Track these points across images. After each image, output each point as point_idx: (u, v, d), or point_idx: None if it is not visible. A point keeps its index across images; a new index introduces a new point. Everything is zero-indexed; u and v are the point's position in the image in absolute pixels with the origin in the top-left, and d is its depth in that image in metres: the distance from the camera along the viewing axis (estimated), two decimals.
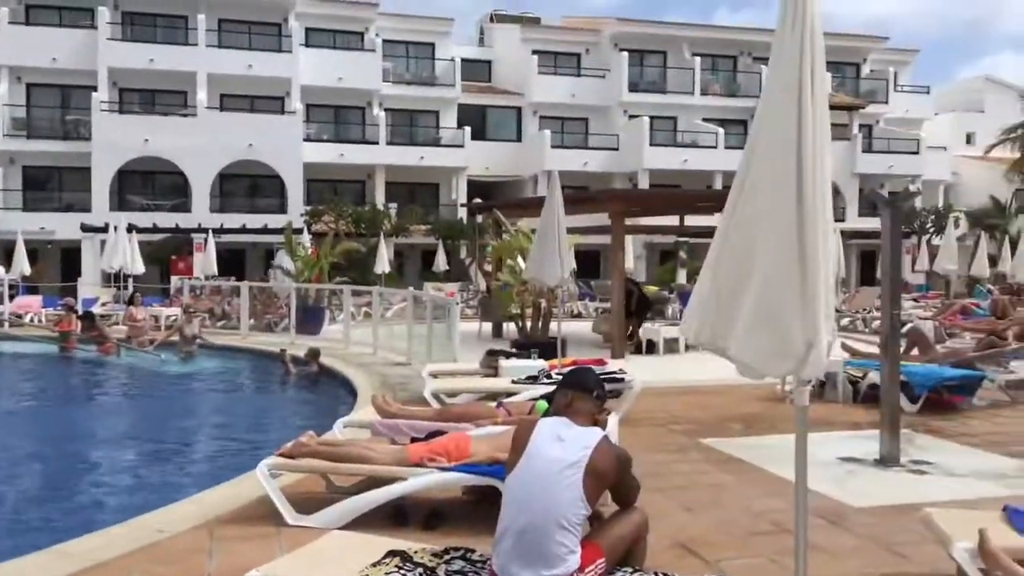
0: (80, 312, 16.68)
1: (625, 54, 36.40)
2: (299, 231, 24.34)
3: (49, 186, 30.72)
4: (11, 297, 20.95)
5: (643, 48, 37.48)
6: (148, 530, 4.77)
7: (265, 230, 28.09)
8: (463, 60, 36.03)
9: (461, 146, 34.04)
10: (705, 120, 36.56)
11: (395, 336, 13.72)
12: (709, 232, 3.13)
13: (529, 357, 9.24)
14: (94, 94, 29.17)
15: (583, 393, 3.73)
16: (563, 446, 3.42)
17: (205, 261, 22.78)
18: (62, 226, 27.85)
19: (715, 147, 35.06)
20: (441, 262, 28.65)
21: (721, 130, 35.55)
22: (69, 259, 28.79)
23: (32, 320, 19.50)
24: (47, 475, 7.64)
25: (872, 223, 29.57)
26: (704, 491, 5.64)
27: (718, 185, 33.50)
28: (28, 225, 25.72)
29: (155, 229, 27.38)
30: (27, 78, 30.14)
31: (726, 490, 5.67)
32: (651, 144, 34.63)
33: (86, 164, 28.70)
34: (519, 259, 14.47)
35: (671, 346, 13.46)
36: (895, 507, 5.24)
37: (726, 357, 2.95)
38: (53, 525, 5.78)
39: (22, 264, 21.84)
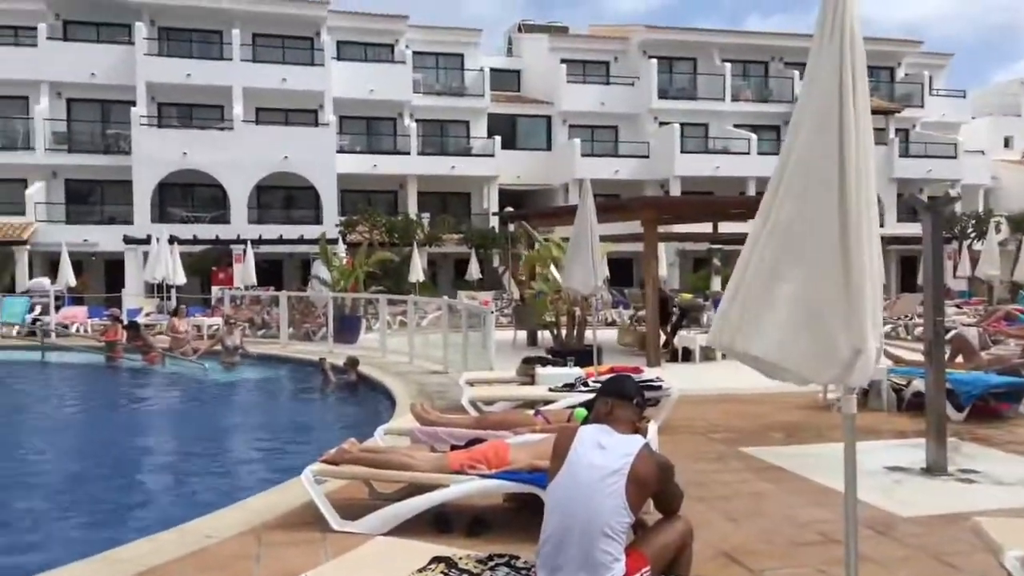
0: (125, 322, 16.97)
1: (654, 61, 36.34)
2: (334, 241, 24.59)
3: (91, 199, 31.31)
4: (57, 308, 21.41)
5: (672, 55, 37.39)
6: (197, 536, 4.83)
7: (301, 240, 28.43)
8: (492, 70, 36.23)
9: (492, 155, 34.19)
10: (736, 126, 36.33)
11: (431, 345, 13.79)
12: (743, 239, 3.13)
13: (565, 365, 9.23)
14: (133, 109, 29.74)
15: (623, 401, 3.73)
16: (604, 453, 3.43)
17: (244, 271, 23.12)
18: (105, 238, 28.39)
19: (747, 153, 34.86)
20: (474, 271, 28.77)
21: (754, 136, 35.31)
22: (113, 270, 29.33)
23: (78, 330, 19.88)
24: (95, 482, 7.77)
25: (911, 228, 29.19)
26: (746, 500, 5.60)
27: (751, 191, 33.28)
28: (72, 237, 26.27)
29: (195, 241, 27.85)
30: (67, 93, 30.78)
31: (769, 499, 5.62)
32: (682, 151, 34.54)
33: (127, 177, 29.27)
34: (552, 267, 14.50)
35: (707, 354, 13.37)
36: (944, 516, 5.18)
37: (749, 362, 2.94)
38: (102, 532, 5.89)
39: (67, 275, 22.37)
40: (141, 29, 30.37)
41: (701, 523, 4.37)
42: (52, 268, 24.96)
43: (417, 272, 24.88)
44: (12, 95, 30.11)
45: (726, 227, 17.33)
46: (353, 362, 12.52)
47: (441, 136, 35.64)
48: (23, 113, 30.12)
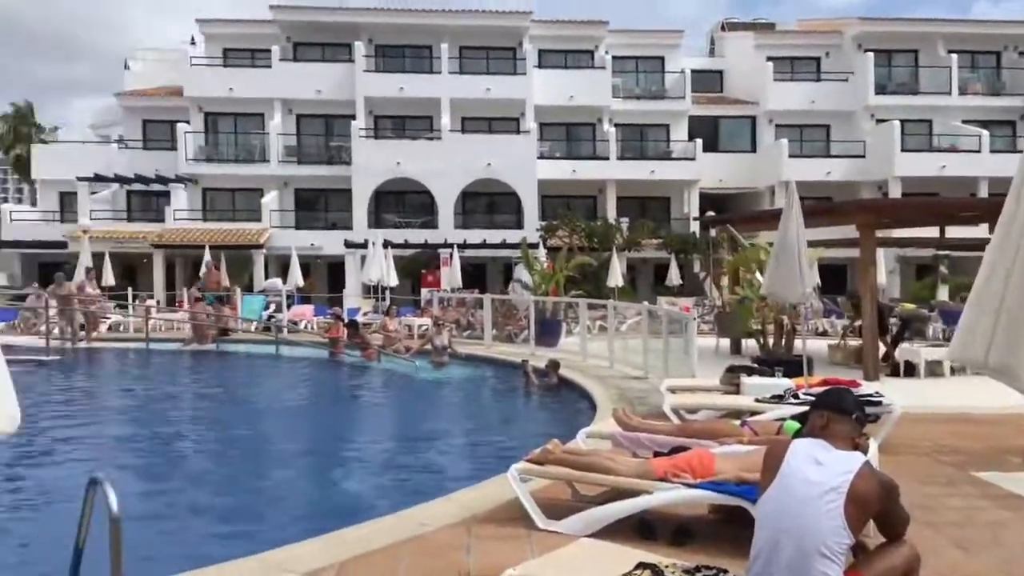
0: (346, 320, 18.24)
1: (871, 55, 34.13)
2: (535, 246, 25.13)
3: (317, 207, 33.99)
4: (288, 306, 23.52)
5: (891, 47, 34.98)
6: (413, 523, 5.12)
7: (503, 245, 29.29)
8: (693, 71, 35.61)
9: (692, 159, 33.56)
10: (965, 122, 33.32)
11: (630, 350, 13.71)
12: (975, 244, 2.89)
13: (773, 375, 8.88)
14: (353, 122, 32.03)
15: (841, 415, 3.56)
16: (821, 470, 3.29)
17: (451, 274, 24.21)
18: (328, 242, 30.68)
19: (978, 151, 31.84)
20: (674, 276, 28.36)
21: (985, 132, 32.23)
22: (335, 272, 31.74)
23: (306, 327, 21.68)
24: (320, 467, 8.45)
25: None
26: (981, 529, 5.13)
27: (983, 192, 30.40)
28: (300, 242, 28.69)
29: (407, 245, 29.48)
30: (297, 109, 33.66)
31: (1008, 529, 5.12)
32: (903, 150, 32.17)
33: (347, 186, 31.58)
34: (756, 273, 14.00)
35: (933, 369, 12.32)
36: None
37: (1003, 377, 2.71)
38: (326, 513, 6.40)
39: (296, 277, 24.56)
40: (360, 48, 32.63)
41: (928, 550, 4.06)
42: (283, 270, 27.40)
43: (616, 277, 24.89)
44: (250, 112, 33.38)
45: (955, 231, 15.94)
46: (554, 365, 12.72)
47: (640, 140, 35.46)
48: (260, 129, 33.32)
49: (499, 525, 5.08)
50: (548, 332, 17.23)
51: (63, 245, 29.64)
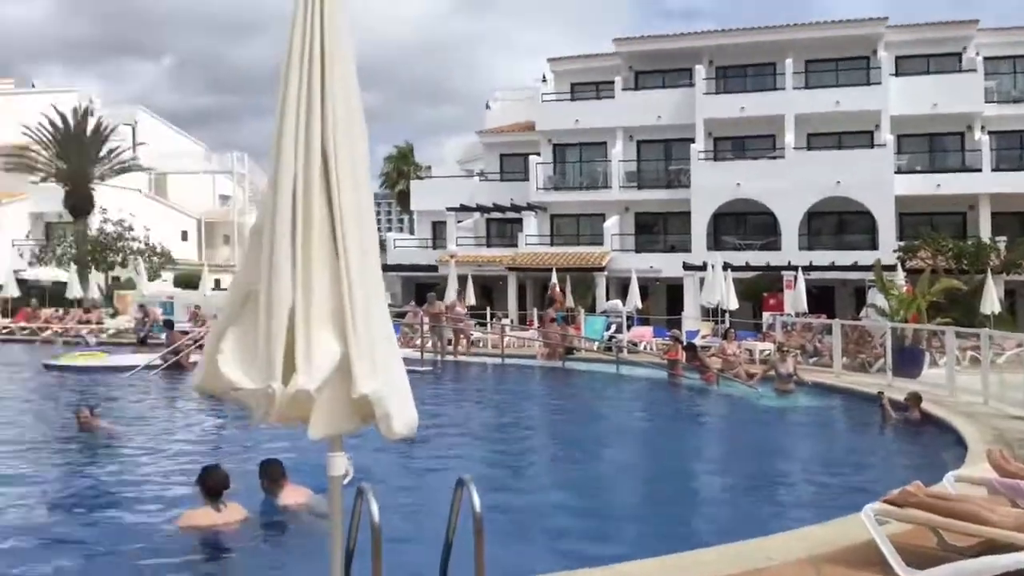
0: (684, 343, 18.35)
1: None
2: (891, 268, 23.25)
3: (655, 230, 34.71)
4: (628, 327, 24.22)
5: None
6: (759, 555, 5.02)
7: (854, 267, 27.53)
8: None
9: None
10: None
11: (1010, 386, 12.19)
12: None
13: None
14: (692, 145, 32.20)
15: None
16: None
17: (795, 298, 23.23)
18: (667, 265, 31.10)
19: None
20: None
21: None
22: (672, 294, 32.08)
23: (645, 348, 22.20)
24: (662, 487, 8.61)
25: None
26: None
27: None
28: (639, 264, 29.42)
29: (747, 267, 28.89)
30: (637, 136, 34.67)
31: None
32: None
33: (686, 209, 31.77)
34: None
35: None
36: None
37: None
38: (666, 533, 6.51)
39: (636, 298, 25.25)
40: (700, 71, 32.76)
41: None
42: (623, 291, 28.25)
43: (992, 303, 22.10)
44: (594, 142, 35.05)
45: None
46: (915, 398, 11.64)
47: (1021, 149, 31.16)
48: (602, 156, 34.85)
49: (851, 568, 4.83)
50: (908, 362, 15.76)
51: (434, 268, 33.52)
